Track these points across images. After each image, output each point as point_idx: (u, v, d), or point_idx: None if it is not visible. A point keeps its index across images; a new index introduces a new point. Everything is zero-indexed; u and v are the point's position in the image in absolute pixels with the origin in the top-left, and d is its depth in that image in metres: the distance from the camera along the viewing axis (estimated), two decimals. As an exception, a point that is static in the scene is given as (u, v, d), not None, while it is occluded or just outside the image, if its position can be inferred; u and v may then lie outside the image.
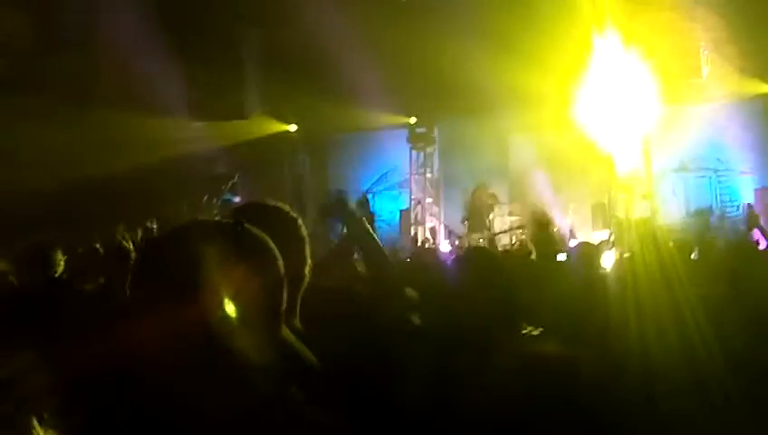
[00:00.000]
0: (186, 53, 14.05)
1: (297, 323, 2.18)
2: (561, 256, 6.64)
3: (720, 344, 3.13)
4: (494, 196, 15.10)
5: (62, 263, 5.02)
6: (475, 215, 14.79)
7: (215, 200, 15.13)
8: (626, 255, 7.38)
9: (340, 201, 3.21)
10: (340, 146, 17.63)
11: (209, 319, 1.43)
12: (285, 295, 1.63)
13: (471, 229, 14.91)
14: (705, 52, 14.48)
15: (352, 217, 3.18)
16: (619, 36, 13.12)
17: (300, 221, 2.36)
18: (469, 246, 13.08)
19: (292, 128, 17.57)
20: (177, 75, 14.14)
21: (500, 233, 14.25)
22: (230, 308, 1.45)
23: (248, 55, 16.47)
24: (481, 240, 14.01)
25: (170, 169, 14.25)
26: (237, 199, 15.25)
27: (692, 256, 5.75)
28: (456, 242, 14.86)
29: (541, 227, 7.27)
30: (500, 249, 11.37)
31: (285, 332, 1.79)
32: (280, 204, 2.40)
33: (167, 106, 14.16)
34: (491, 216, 14.67)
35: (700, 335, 3.19)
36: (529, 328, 2.88)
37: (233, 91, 16.19)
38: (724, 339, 3.14)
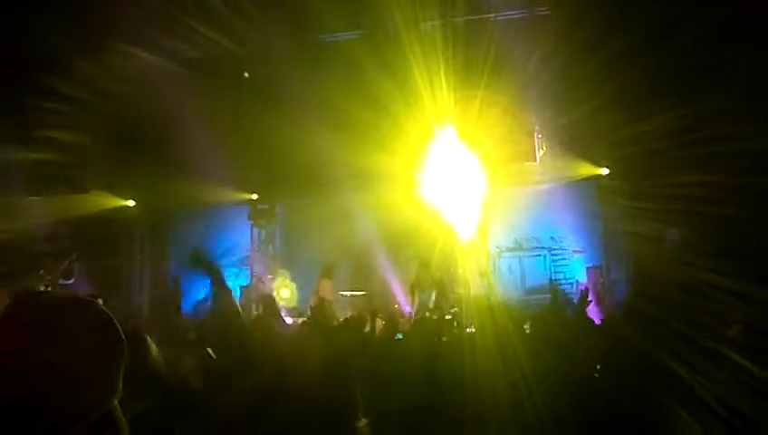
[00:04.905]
0: (22, 126, 13.52)
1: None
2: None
3: (544, 400, 3.31)
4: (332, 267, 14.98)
5: None
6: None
7: (48, 277, 14.48)
8: (467, 330, 7.61)
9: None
10: (179, 222, 17.16)
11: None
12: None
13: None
14: (539, 136, 15.12)
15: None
16: (457, 121, 13.47)
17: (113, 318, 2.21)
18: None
19: (131, 203, 17.01)
20: (13, 148, 13.53)
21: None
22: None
23: (86, 129, 15.88)
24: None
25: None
26: (71, 282, 14.77)
27: (525, 328, 5.91)
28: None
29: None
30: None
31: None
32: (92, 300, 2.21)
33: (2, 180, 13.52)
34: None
35: (529, 395, 3.35)
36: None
37: (69, 165, 15.53)
38: (548, 395, 3.32)
